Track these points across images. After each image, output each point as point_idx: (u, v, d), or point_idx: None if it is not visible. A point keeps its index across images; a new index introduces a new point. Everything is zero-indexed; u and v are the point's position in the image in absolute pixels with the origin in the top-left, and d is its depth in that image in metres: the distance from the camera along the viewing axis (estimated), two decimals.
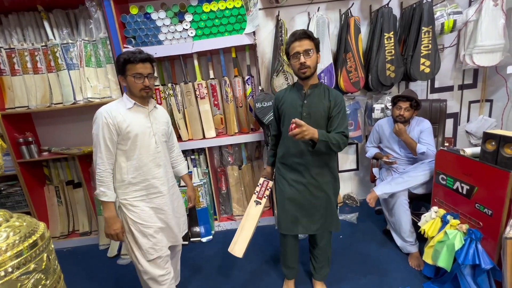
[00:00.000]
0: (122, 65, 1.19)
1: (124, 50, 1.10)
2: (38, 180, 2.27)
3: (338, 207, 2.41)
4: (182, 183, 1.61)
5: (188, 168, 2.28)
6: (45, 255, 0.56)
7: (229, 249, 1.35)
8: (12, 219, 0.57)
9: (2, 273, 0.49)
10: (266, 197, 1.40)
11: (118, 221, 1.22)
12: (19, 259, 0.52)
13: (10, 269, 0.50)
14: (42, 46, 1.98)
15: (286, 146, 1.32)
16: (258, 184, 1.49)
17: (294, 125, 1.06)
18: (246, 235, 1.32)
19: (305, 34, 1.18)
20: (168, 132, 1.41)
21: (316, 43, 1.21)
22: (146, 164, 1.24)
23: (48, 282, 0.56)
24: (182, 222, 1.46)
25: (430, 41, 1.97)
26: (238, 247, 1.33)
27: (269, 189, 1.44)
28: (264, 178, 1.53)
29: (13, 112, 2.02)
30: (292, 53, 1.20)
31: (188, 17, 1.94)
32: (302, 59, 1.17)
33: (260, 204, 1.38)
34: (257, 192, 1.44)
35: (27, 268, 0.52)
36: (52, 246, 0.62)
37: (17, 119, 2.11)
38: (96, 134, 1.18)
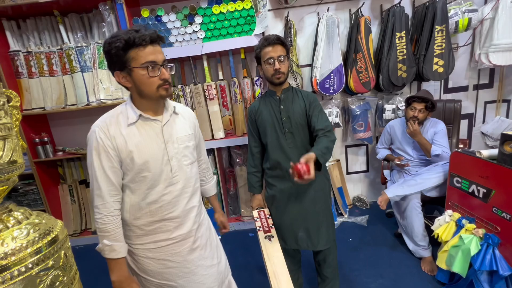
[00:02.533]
0: (122, 52, 0.74)
1: (120, 31, 0.78)
2: (52, 179, 2.34)
3: (348, 209, 2.39)
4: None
5: None
6: (63, 252, 0.58)
7: None
8: (32, 217, 0.59)
9: (23, 269, 0.50)
10: (273, 226, 1.25)
11: (133, 281, 0.87)
12: (38, 256, 0.53)
13: (30, 265, 0.52)
14: (57, 49, 2.05)
15: (274, 156, 1.25)
16: (255, 218, 1.29)
17: (301, 172, 0.94)
18: (285, 281, 0.98)
19: (279, 40, 1.16)
20: (195, 144, 0.98)
21: (288, 49, 1.21)
22: (155, 201, 0.86)
23: (65, 278, 0.57)
24: (222, 268, 1.06)
25: (444, 40, 1.93)
26: None
27: (269, 217, 1.30)
28: (257, 209, 1.37)
29: (30, 113, 2.10)
30: (265, 58, 1.17)
31: (198, 19, 1.96)
32: (277, 65, 1.15)
33: (273, 237, 1.19)
34: (260, 227, 1.23)
35: (45, 265, 0.54)
36: (69, 244, 0.64)
37: (33, 120, 2.19)
38: (90, 163, 0.80)
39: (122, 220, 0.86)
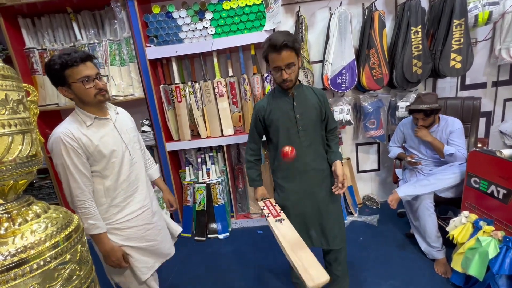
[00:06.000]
0: (59, 72, 0.94)
1: (55, 55, 0.98)
2: None
3: (358, 208, 2.35)
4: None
5: (207, 165, 2.31)
6: (79, 246, 0.58)
7: (311, 285, 0.87)
8: (50, 211, 0.59)
9: (42, 263, 0.51)
10: (281, 211, 1.22)
11: (117, 249, 1.07)
12: (56, 250, 0.54)
13: (48, 259, 0.52)
14: (71, 46, 2.08)
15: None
16: (262, 208, 1.29)
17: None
18: (307, 255, 0.97)
19: (286, 46, 1.06)
20: (138, 136, 1.25)
21: (297, 50, 1.11)
22: (125, 180, 1.09)
23: (82, 272, 0.58)
24: (167, 232, 1.33)
25: (462, 35, 1.85)
26: (315, 272, 0.92)
27: (276, 204, 1.29)
28: (262, 199, 1.36)
29: (44, 109, 2.14)
30: (272, 66, 1.13)
31: (208, 15, 1.95)
32: (285, 75, 1.10)
33: (283, 219, 1.15)
34: (268, 213, 1.22)
35: (63, 259, 0.54)
36: (85, 238, 0.65)
37: (47, 116, 2.24)
38: (61, 163, 0.97)
39: (101, 205, 1.06)
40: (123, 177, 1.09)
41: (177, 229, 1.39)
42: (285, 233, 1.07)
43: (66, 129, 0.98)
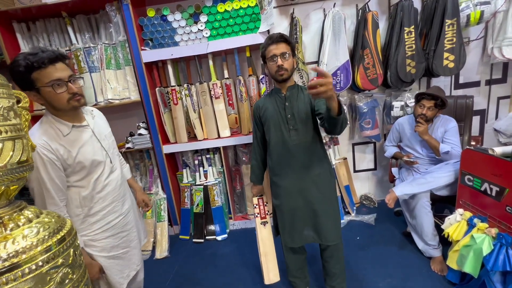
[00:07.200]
0: (25, 75, 0.81)
1: (20, 54, 0.83)
2: None
3: (355, 208, 2.36)
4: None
5: (204, 167, 2.31)
6: (72, 250, 0.59)
7: (266, 282, 1.38)
8: (42, 215, 0.60)
9: (34, 267, 0.51)
10: (269, 214, 1.39)
11: (95, 264, 1.01)
12: (48, 254, 0.54)
13: (40, 263, 0.53)
14: (66, 50, 2.08)
15: (277, 153, 1.28)
16: (255, 205, 1.42)
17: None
18: (272, 260, 1.34)
19: (282, 38, 1.19)
20: (114, 141, 1.17)
21: (292, 47, 1.22)
22: (103, 189, 1.01)
23: (74, 276, 0.58)
24: (142, 230, 1.28)
25: (455, 34, 1.87)
26: (272, 274, 1.38)
27: (267, 204, 1.44)
28: (257, 196, 1.46)
29: (41, 113, 2.14)
30: (268, 56, 1.20)
31: (203, 18, 1.96)
32: (280, 61, 1.17)
33: (267, 223, 1.38)
34: (258, 213, 1.40)
35: (55, 263, 0.55)
36: (78, 242, 0.65)
37: None
38: (36, 178, 0.86)
39: (77, 215, 0.97)
40: (101, 186, 1.00)
41: (144, 238, 1.32)
42: (265, 237, 1.36)
43: (42, 140, 0.86)
